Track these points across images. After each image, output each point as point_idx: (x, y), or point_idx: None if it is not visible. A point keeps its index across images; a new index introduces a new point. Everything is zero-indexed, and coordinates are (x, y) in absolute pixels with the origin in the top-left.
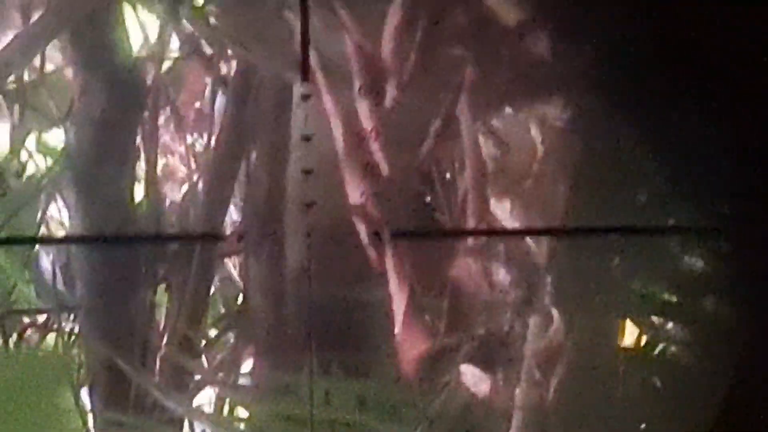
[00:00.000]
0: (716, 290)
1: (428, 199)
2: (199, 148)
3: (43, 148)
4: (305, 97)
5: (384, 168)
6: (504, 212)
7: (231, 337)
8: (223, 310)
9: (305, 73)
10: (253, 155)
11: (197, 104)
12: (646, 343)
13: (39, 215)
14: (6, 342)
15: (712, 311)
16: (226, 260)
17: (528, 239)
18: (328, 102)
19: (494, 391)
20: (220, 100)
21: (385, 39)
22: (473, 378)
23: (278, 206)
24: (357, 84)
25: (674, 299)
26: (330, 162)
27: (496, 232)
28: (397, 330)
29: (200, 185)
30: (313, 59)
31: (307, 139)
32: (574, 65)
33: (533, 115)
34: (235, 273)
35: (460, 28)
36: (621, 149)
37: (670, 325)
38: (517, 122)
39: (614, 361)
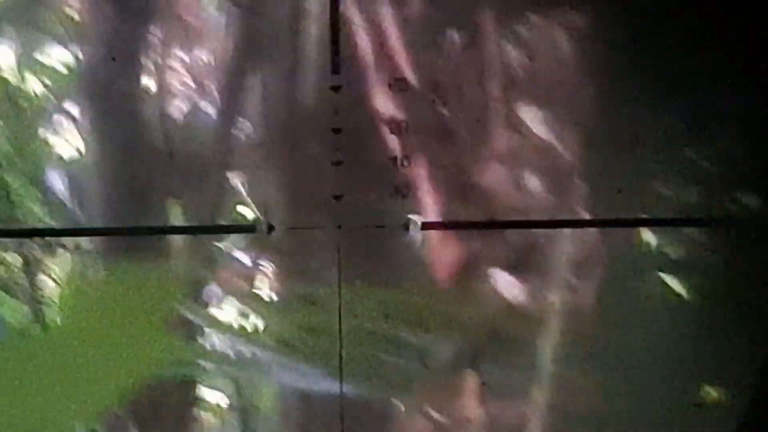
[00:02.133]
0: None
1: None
2: (208, 62)
3: (50, 68)
4: (335, 89)
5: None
6: (532, 119)
7: (253, 249)
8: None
9: (335, 64)
10: (267, 70)
11: (206, 18)
12: (679, 251)
13: (48, 135)
14: (27, 264)
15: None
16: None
17: (558, 146)
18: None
19: (529, 298)
20: (229, 14)
21: None
22: (507, 284)
23: (295, 129)
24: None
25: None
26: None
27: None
28: (427, 238)
29: (209, 101)
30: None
31: (337, 131)
32: None
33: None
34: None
35: None
36: (648, 56)
37: (699, 231)
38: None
39: (647, 266)
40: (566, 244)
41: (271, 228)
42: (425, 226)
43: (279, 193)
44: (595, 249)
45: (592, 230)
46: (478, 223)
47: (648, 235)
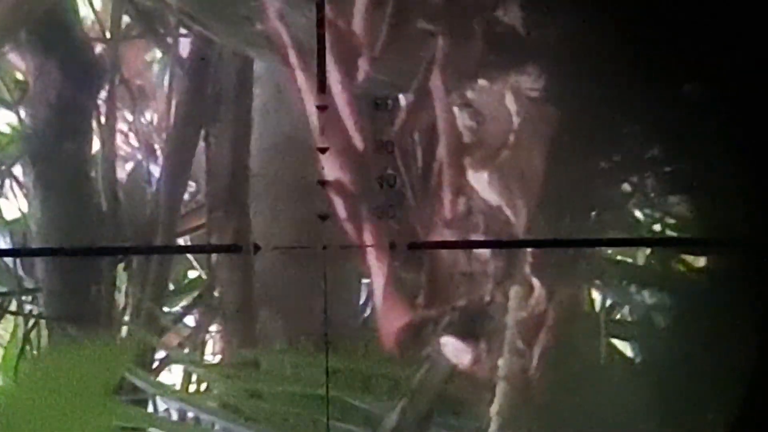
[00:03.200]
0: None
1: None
2: (155, 126)
3: None
4: (322, 108)
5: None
6: (481, 183)
7: (196, 313)
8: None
9: (322, 84)
10: (214, 132)
11: (152, 82)
12: (625, 310)
13: None
14: None
15: (688, 277)
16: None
17: (507, 210)
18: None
19: (476, 363)
20: (176, 78)
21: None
22: (454, 350)
23: (242, 183)
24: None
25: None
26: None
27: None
28: (376, 303)
29: (157, 163)
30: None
31: (322, 151)
32: (548, 35)
33: (508, 86)
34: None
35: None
36: (597, 118)
37: (646, 292)
38: (491, 93)
39: (595, 329)
40: (515, 307)
41: (257, 248)
42: (411, 246)
43: (264, 214)
44: (545, 312)
45: (541, 294)
46: (464, 243)
47: (597, 298)
